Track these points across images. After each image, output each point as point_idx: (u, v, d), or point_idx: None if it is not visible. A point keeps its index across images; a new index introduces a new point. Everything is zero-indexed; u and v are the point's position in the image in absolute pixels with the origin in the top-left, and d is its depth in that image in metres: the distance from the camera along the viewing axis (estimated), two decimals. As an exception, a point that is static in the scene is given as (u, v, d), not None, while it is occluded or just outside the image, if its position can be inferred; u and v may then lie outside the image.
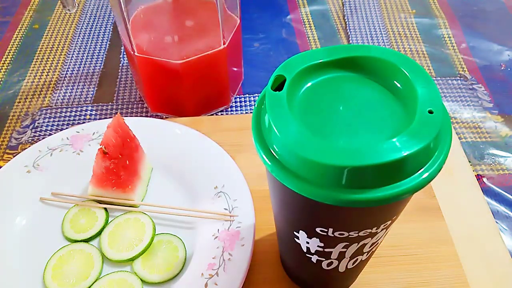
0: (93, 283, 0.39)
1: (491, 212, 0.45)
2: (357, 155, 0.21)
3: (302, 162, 0.22)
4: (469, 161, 0.50)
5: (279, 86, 0.25)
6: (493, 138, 0.54)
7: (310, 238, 0.28)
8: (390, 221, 0.27)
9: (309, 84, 0.26)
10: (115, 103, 0.58)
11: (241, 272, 0.38)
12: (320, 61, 0.26)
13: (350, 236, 0.27)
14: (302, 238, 0.29)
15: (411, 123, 0.22)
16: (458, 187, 0.47)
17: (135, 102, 0.58)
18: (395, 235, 0.42)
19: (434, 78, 0.60)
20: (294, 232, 0.29)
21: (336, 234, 0.27)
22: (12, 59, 0.63)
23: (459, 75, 0.61)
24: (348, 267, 0.32)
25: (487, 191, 0.48)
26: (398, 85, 0.25)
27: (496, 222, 0.45)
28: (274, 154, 0.23)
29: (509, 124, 0.55)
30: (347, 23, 0.68)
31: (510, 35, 0.66)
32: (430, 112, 0.22)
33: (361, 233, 0.27)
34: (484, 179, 0.49)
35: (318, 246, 0.29)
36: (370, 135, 0.23)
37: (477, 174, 0.50)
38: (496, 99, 0.58)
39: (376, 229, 0.27)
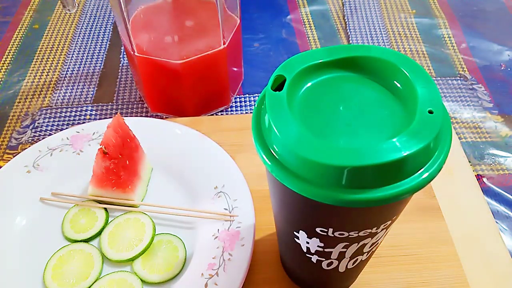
0: (93, 283, 0.39)
1: (491, 212, 0.45)
2: (357, 155, 0.21)
3: (302, 162, 0.22)
4: (469, 161, 0.50)
5: (279, 86, 0.25)
6: (493, 138, 0.54)
7: (310, 238, 0.28)
8: (390, 221, 0.27)
9: (309, 84, 0.26)
10: (115, 103, 0.58)
11: (241, 272, 0.38)
12: (320, 61, 0.26)
13: (350, 236, 0.27)
14: (302, 238, 0.29)
15: (411, 123, 0.22)
16: (458, 187, 0.46)
17: (135, 102, 0.58)
18: (395, 235, 0.42)
19: (434, 78, 0.60)
20: (294, 232, 0.29)
21: (336, 234, 0.27)
22: (12, 59, 0.63)
23: (459, 75, 0.61)
24: (348, 267, 0.32)
25: (487, 191, 0.48)
26: (398, 85, 0.25)
27: (496, 222, 0.46)
28: (274, 154, 0.23)
29: (509, 124, 0.55)
30: (347, 23, 0.68)
31: (510, 35, 0.66)
32: (430, 112, 0.22)
33: (361, 233, 0.27)
34: (484, 179, 0.49)
35: (318, 246, 0.29)
36: (370, 135, 0.23)
37: (477, 174, 0.50)
38: (496, 99, 0.58)
39: (376, 229, 0.27)
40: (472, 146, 0.53)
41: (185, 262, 0.40)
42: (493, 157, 0.52)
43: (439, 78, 0.60)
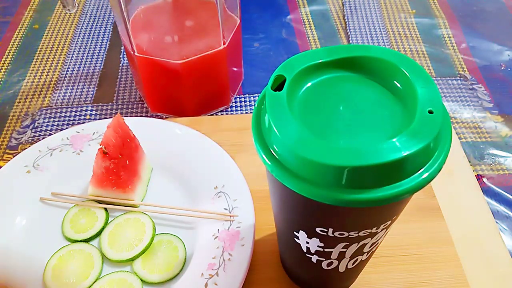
0: (93, 283, 0.39)
1: (491, 212, 0.45)
2: (357, 155, 0.21)
3: (302, 162, 0.22)
4: (469, 161, 0.50)
5: (279, 86, 0.25)
6: (493, 138, 0.54)
7: (310, 238, 0.28)
8: (390, 221, 0.27)
9: (309, 84, 0.26)
10: (115, 103, 0.58)
11: (241, 272, 0.38)
12: (320, 61, 0.26)
13: (350, 236, 0.27)
14: (302, 238, 0.29)
15: (411, 123, 0.22)
16: (458, 187, 0.46)
17: (135, 102, 0.58)
18: (395, 235, 0.42)
19: (434, 78, 0.60)
20: (294, 232, 0.29)
21: (336, 234, 0.27)
22: (12, 59, 0.63)
23: (459, 75, 0.61)
24: (348, 267, 0.32)
25: (487, 191, 0.48)
26: (398, 85, 0.25)
27: (496, 222, 0.46)
28: (274, 154, 0.23)
29: (509, 124, 0.55)
30: (347, 23, 0.68)
31: (510, 35, 0.66)
32: (430, 112, 0.22)
33: (361, 233, 0.27)
34: (484, 179, 0.49)
35: (318, 246, 0.29)
36: (370, 135, 0.23)
37: (477, 174, 0.50)
38: (496, 99, 0.58)
39: (376, 229, 0.27)
40: (472, 146, 0.53)
41: (185, 262, 0.40)
42: (493, 157, 0.52)
43: (439, 78, 0.60)
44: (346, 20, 0.68)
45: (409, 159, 0.21)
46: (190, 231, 0.42)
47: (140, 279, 0.39)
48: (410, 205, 0.44)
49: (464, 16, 0.69)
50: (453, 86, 0.59)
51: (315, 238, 0.28)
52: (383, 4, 0.71)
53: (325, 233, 0.27)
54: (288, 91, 0.24)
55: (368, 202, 0.22)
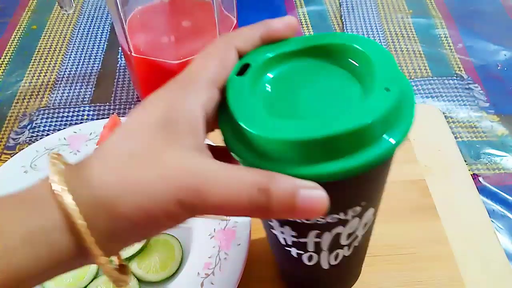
0: (89, 283, 0.39)
1: (486, 211, 0.45)
2: (305, 129, 0.21)
3: (255, 138, 0.22)
4: (465, 161, 0.50)
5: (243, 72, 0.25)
6: (489, 137, 0.54)
7: (283, 227, 0.28)
8: (359, 207, 0.27)
9: (272, 74, 0.26)
10: (112, 104, 0.58)
11: (237, 271, 0.38)
12: (287, 50, 0.26)
13: (318, 222, 0.27)
14: (276, 226, 0.29)
15: (366, 100, 0.22)
16: (453, 187, 0.47)
17: (133, 103, 0.58)
18: (390, 235, 0.42)
19: (431, 78, 0.60)
20: (269, 222, 0.30)
21: (303, 219, 0.27)
22: (10, 59, 0.64)
23: (455, 75, 0.61)
24: (331, 263, 0.31)
25: (483, 190, 0.48)
26: (359, 67, 0.25)
27: (492, 221, 0.46)
28: (235, 135, 0.24)
29: (505, 124, 0.55)
30: (344, 23, 0.68)
31: (506, 35, 0.66)
32: (387, 89, 0.23)
33: (328, 219, 0.26)
34: (480, 178, 0.50)
35: (292, 235, 0.29)
36: (327, 114, 0.24)
37: (473, 174, 0.50)
38: (492, 98, 0.58)
39: (344, 216, 0.26)
40: (468, 145, 0.53)
41: (181, 261, 0.40)
42: (489, 156, 0.52)
43: (435, 78, 0.60)
44: (343, 20, 0.68)
45: (359, 133, 0.21)
46: (186, 230, 0.42)
47: (137, 278, 0.39)
48: (405, 204, 0.44)
49: (461, 16, 0.69)
50: (449, 85, 0.59)
51: (286, 226, 0.28)
52: (380, 4, 0.71)
53: (293, 219, 0.27)
54: (251, 77, 0.25)
55: (318, 176, 0.21)
